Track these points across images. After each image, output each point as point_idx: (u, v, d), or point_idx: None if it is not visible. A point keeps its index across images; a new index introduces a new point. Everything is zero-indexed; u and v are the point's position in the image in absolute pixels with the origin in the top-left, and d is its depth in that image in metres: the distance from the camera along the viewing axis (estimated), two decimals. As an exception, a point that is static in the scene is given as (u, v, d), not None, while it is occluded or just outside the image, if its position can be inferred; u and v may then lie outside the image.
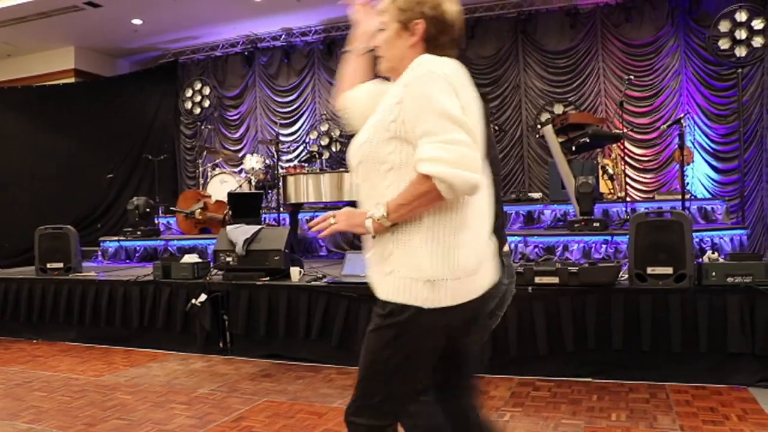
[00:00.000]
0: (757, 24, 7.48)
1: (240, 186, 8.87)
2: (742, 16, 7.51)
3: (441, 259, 1.67)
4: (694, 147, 8.84)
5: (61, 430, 3.53)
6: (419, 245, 1.68)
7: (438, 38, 1.84)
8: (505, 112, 10.00)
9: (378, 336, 1.73)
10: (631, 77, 8.36)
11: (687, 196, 6.53)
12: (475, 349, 1.95)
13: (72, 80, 11.11)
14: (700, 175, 8.91)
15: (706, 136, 8.89)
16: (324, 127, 10.60)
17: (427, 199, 1.64)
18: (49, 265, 6.21)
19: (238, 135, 11.50)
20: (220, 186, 9.01)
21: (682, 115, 7.16)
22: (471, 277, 1.71)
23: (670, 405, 3.58)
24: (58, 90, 10.89)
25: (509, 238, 6.60)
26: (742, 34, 7.54)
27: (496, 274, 1.87)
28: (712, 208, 7.11)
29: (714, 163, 8.87)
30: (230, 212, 7.25)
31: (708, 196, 8.59)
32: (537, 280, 4.29)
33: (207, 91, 11.27)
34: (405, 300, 1.67)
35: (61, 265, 6.21)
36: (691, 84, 8.98)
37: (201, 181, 10.28)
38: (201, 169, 10.45)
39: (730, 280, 3.98)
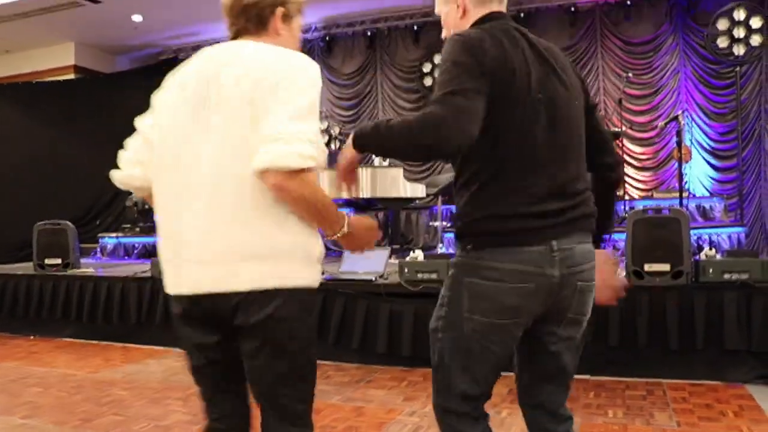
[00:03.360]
0: (756, 22, 7.49)
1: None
2: (740, 15, 7.52)
3: None
4: (693, 145, 8.84)
5: (56, 425, 3.53)
6: None
7: None
8: (504, 110, 9.99)
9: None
10: (630, 75, 8.37)
11: (685, 194, 6.54)
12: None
13: (72, 76, 11.09)
14: (698, 173, 8.91)
15: (705, 134, 8.90)
16: (323, 125, 10.60)
17: None
18: (47, 261, 6.20)
19: (237, 132, 11.48)
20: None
21: (680, 112, 7.16)
22: None
23: (667, 402, 3.58)
24: (58, 86, 10.88)
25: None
26: (740, 32, 7.54)
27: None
28: (711, 206, 7.13)
29: (712, 161, 8.88)
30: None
31: (706, 194, 8.60)
32: (534, 276, 4.29)
33: (206, 88, 11.25)
34: None
35: (59, 261, 6.20)
36: (689, 82, 8.99)
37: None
38: (200, 166, 10.43)
39: (726, 276, 3.98)
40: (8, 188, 10.28)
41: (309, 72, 1.60)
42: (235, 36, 1.77)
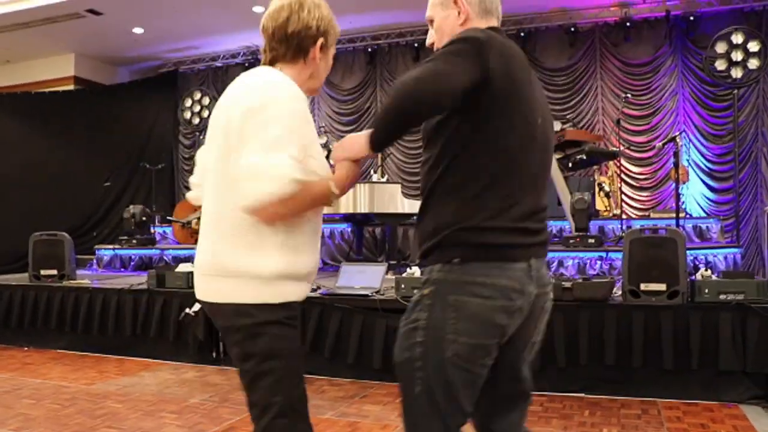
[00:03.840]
0: (753, 46, 7.55)
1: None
2: (738, 38, 7.58)
3: None
4: (690, 166, 8.89)
5: (49, 436, 3.51)
6: None
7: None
8: (503, 128, 10.04)
9: None
10: (629, 95, 8.43)
11: (682, 215, 6.56)
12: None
13: (71, 87, 11.14)
14: (695, 194, 8.95)
15: (702, 155, 8.95)
16: (323, 140, 10.62)
17: None
18: (42, 272, 6.18)
19: (236, 146, 11.51)
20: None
21: (677, 133, 7.20)
22: None
23: (662, 421, 3.58)
24: (57, 97, 10.91)
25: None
26: (738, 55, 7.60)
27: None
28: (707, 227, 7.14)
29: (709, 182, 8.92)
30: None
31: (703, 214, 8.63)
32: (530, 294, 4.29)
33: (207, 101, 11.28)
34: None
35: (54, 272, 6.18)
36: (687, 104, 9.06)
37: (198, 191, 10.26)
38: (198, 179, 10.44)
39: (722, 297, 3.99)
40: (5, 198, 10.26)
41: (280, 102, 1.64)
42: (271, 62, 1.84)
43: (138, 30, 10.17)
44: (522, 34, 9.74)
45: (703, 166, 8.95)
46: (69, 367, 5.24)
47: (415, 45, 10.28)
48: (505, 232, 1.56)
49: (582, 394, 4.12)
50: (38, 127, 10.76)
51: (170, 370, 5.09)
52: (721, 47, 7.69)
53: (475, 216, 1.55)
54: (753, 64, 7.59)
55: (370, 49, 10.63)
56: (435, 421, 1.60)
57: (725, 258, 6.13)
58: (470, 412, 1.65)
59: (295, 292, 1.74)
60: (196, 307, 5.16)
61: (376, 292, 4.77)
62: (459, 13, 1.73)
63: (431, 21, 1.80)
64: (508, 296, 1.55)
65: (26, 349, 5.96)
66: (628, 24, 9.17)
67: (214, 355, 5.27)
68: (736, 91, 7.91)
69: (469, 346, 1.55)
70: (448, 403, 1.58)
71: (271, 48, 1.82)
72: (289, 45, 1.78)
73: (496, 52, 1.53)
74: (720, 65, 7.73)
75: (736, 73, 7.67)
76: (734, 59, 7.64)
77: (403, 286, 4.61)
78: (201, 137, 11.51)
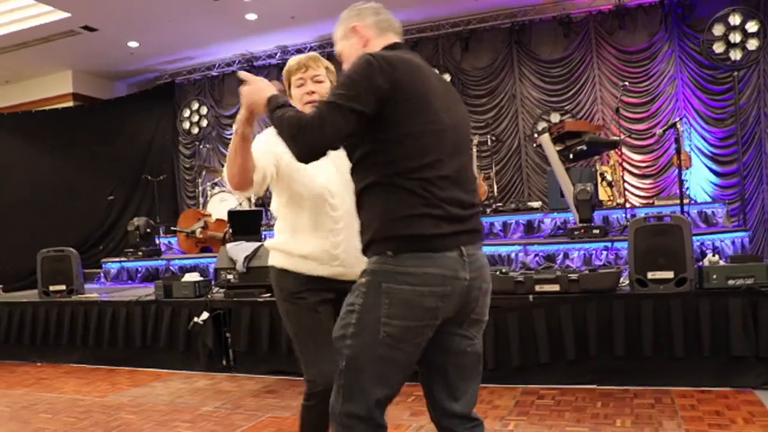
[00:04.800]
0: (751, 27, 7.52)
1: (240, 204, 8.88)
2: (735, 20, 7.55)
3: None
4: (693, 151, 8.86)
5: (65, 452, 3.52)
6: None
7: None
8: (502, 123, 10.04)
9: None
10: (626, 83, 8.41)
11: (686, 201, 6.53)
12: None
13: (71, 104, 11.20)
14: (700, 179, 8.92)
15: (705, 140, 8.92)
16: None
17: None
18: (51, 288, 6.21)
19: (237, 153, 11.52)
20: (220, 204, 9.02)
21: (677, 119, 7.16)
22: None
23: (676, 410, 3.56)
24: (57, 114, 10.96)
25: (510, 248, 6.65)
26: (736, 37, 7.57)
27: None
28: (713, 212, 7.10)
29: (713, 166, 8.89)
30: (230, 230, 7.26)
31: (708, 199, 8.60)
32: (537, 288, 4.29)
33: (204, 110, 11.32)
34: None
35: (63, 287, 6.21)
36: (687, 88, 9.03)
37: (201, 200, 10.30)
38: (201, 188, 10.47)
39: (731, 282, 3.96)
40: (11, 216, 10.32)
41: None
42: None
43: (133, 44, 10.20)
44: (516, 27, 9.73)
45: (705, 151, 8.92)
46: (82, 381, 5.25)
47: (411, 44, 10.29)
48: (432, 222, 1.72)
49: (594, 386, 4.10)
50: (40, 145, 10.81)
51: (182, 380, 5.10)
52: (718, 29, 7.66)
53: (402, 209, 1.73)
54: (752, 44, 7.55)
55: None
56: (363, 392, 1.77)
57: (732, 242, 6.09)
58: (398, 388, 1.82)
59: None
60: (204, 315, 5.17)
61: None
62: (360, 38, 1.97)
63: (341, 55, 2.04)
64: (438, 283, 1.72)
65: (39, 364, 5.98)
66: (622, 11, 9.15)
67: (224, 362, 5.28)
68: (736, 74, 7.87)
69: (401, 328, 1.73)
70: (375, 377, 1.76)
71: None
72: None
73: (386, 73, 1.71)
74: (718, 48, 7.69)
75: (735, 54, 7.64)
76: (732, 41, 7.61)
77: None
78: (200, 146, 11.53)
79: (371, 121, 1.72)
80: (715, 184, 8.87)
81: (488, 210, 8.61)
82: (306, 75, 2.45)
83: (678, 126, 6.19)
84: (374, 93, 1.70)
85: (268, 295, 5.16)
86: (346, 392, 1.78)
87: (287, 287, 2.38)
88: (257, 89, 1.94)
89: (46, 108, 11.10)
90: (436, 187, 1.73)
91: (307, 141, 1.71)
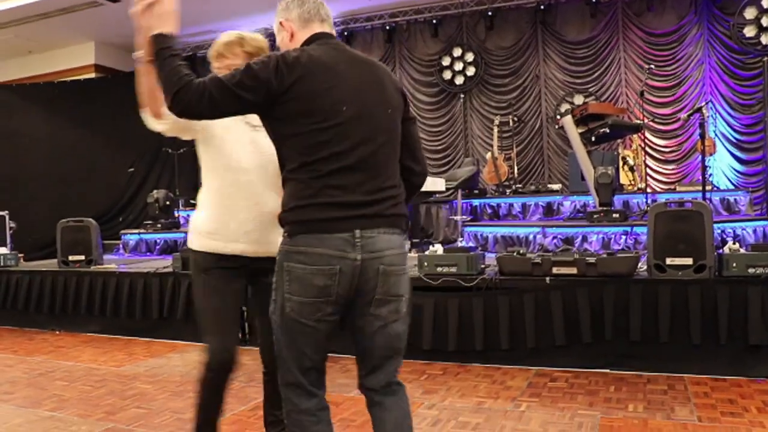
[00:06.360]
0: (786, 11, 7.34)
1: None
2: (768, 3, 7.38)
3: None
4: (717, 137, 8.71)
5: (81, 417, 3.59)
6: None
7: None
8: (525, 103, 9.94)
9: None
10: (652, 66, 8.25)
11: (709, 187, 6.44)
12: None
13: (92, 75, 11.24)
14: (723, 166, 8.78)
15: (730, 126, 8.76)
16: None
17: None
18: (70, 258, 6.29)
19: (257, 128, 11.55)
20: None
21: (703, 104, 7.03)
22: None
23: (689, 396, 3.54)
24: (79, 85, 11.02)
25: (528, 230, 6.61)
26: (768, 21, 7.40)
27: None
28: (735, 200, 7.00)
29: (738, 153, 8.74)
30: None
31: (731, 187, 8.47)
32: (555, 270, 4.27)
33: (226, 84, 11.30)
34: None
35: (82, 257, 6.28)
36: (714, 73, 8.85)
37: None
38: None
39: (751, 271, 3.91)
40: (32, 186, 10.43)
41: None
42: None
43: (156, 15, 10.18)
44: (542, 7, 9.58)
45: (730, 137, 8.76)
46: (99, 350, 5.33)
47: (434, 21, 10.18)
48: (323, 208, 1.85)
49: (607, 370, 4.09)
50: (61, 116, 10.89)
51: (197, 352, 5.15)
52: (750, 13, 7.49)
53: (299, 197, 1.88)
54: (786, 29, 7.38)
55: (388, 27, 10.54)
56: (289, 361, 1.96)
57: (754, 231, 6.00)
58: (318, 358, 1.99)
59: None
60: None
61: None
62: (287, 32, 2.06)
63: (278, 48, 2.10)
64: (324, 263, 1.85)
65: (58, 332, 6.08)
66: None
67: (240, 335, 5.31)
68: (766, 59, 7.69)
69: (299, 303, 1.89)
70: (293, 348, 1.95)
71: None
72: None
73: (281, 74, 1.82)
74: (749, 32, 7.53)
75: (767, 39, 7.46)
76: (764, 25, 7.43)
77: (426, 264, 4.61)
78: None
79: (269, 115, 1.88)
80: (739, 172, 8.72)
81: (508, 191, 8.56)
82: (222, 65, 2.44)
83: (703, 111, 6.08)
84: (264, 88, 1.81)
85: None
86: (280, 363, 1.99)
87: (199, 263, 2.53)
88: (155, 16, 1.93)
89: (68, 79, 11.16)
90: (331, 178, 1.84)
91: (182, 102, 1.80)
